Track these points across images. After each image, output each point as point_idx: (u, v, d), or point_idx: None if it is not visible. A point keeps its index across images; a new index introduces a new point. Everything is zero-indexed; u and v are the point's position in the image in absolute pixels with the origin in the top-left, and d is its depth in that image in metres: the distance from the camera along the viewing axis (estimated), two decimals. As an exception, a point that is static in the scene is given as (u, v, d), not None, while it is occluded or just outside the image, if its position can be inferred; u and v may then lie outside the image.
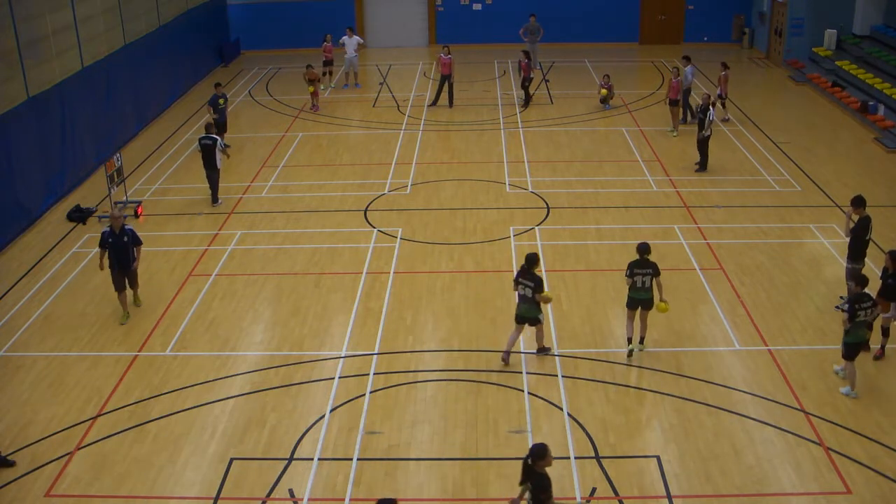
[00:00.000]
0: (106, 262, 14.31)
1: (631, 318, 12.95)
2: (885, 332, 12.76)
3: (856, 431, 11.18)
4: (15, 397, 12.40)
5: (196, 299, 14.96)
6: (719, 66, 23.99)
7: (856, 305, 11.56)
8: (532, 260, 12.61)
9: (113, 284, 14.38)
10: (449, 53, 25.77)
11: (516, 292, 12.73)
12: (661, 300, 12.71)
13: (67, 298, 15.15)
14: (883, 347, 12.77)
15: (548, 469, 8.66)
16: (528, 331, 13.10)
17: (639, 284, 12.72)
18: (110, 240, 14.07)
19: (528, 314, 12.66)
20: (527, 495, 8.70)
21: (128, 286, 14.50)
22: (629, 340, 12.95)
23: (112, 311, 14.68)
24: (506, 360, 12.82)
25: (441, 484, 10.48)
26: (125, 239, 14.07)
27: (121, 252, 14.09)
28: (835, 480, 10.35)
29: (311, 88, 25.68)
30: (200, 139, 18.69)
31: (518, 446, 11.03)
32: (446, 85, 26.00)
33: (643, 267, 12.70)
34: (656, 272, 12.66)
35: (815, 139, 22.69)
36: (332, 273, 15.80)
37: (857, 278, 12.20)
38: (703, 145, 20.25)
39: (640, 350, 13.07)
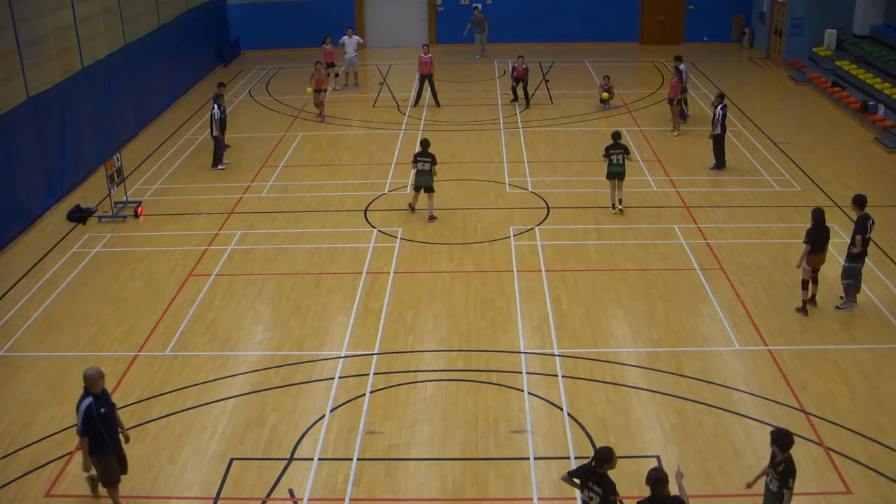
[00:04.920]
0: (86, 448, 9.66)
1: (612, 188, 17.81)
2: (815, 281, 14.13)
3: (856, 431, 11.18)
4: (15, 397, 12.40)
5: (196, 299, 14.95)
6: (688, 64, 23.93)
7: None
8: (427, 143, 17.63)
9: (104, 477, 9.90)
10: (429, 52, 25.82)
11: (414, 169, 17.50)
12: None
13: (67, 298, 15.15)
14: (813, 296, 14.16)
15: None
16: (529, 327, 13.09)
17: (614, 161, 17.53)
18: (102, 410, 9.59)
19: (427, 184, 17.46)
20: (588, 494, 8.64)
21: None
22: (613, 205, 17.84)
23: (113, 311, 14.67)
24: (412, 208, 17.98)
25: (441, 484, 10.48)
26: (111, 402, 9.88)
27: (112, 423, 9.80)
28: (835, 480, 10.35)
29: (310, 90, 24.89)
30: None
31: (518, 446, 11.04)
32: (427, 85, 26.12)
33: (616, 148, 17.51)
34: (626, 151, 17.61)
35: (815, 139, 22.69)
36: (332, 273, 15.80)
37: (781, 443, 8.82)
38: (714, 144, 20.27)
39: (620, 210, 17.72)
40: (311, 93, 24.97)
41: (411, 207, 18.09)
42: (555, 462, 10.72)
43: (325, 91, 25.48)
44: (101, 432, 9.58)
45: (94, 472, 9.99)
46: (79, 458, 11.04)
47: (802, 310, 14.03)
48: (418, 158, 17.49)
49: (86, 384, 9.58)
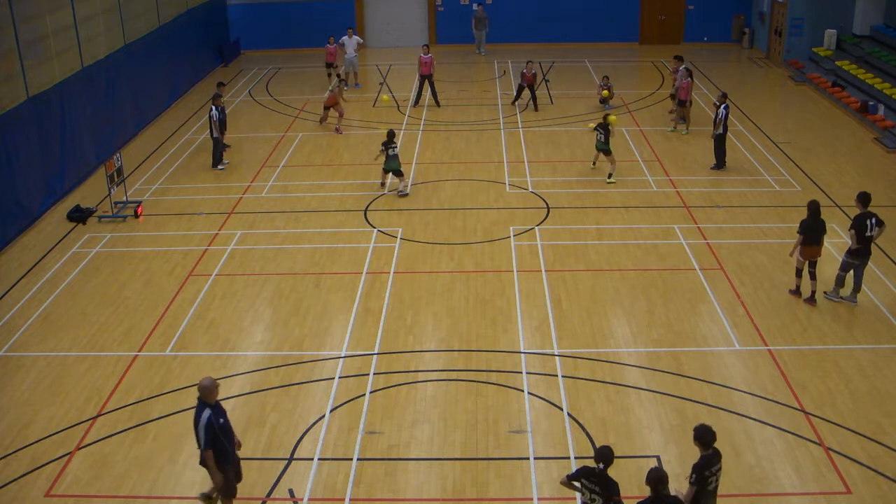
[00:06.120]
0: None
1: (595, 157, 20.45)
2: (812, 276, 14.21)
3: (856, 431, 11.19)
4: (15, 397, 12.40)
5: (196, 299, 14.95)
6: (683, 65, 23.80)
7: (705, 472, 8.64)
8: (391, 133, 19.39)
9: (224, 489, 9.67)
10: (429, 53, 25.81)
11: (386, 153, 19.15)
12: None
13: (67, 298, 15.15)
14: (813, 294, 14.28)
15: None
16: (529, 327, 13.07)
17: (596, 136, 19.85)
18: (221, 421, 9.39)
19: (396, 167, 19.24)
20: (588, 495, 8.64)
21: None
22: (593, 162, 20.59)
23: (113, 311, 14.68)
24: (384, 185, 19.72)
25: (441, 484, 10.48)
26: (223, 410, 9.59)
27: (229, 433, 9.57)
28: (835, 480, 10.35)
29: (385, 98, 24.58)
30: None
31: (518, 446, 11.04)
32: (427, 85, 26.12)
33: (601, 128, 19.68)
34: (608, 132, 19.61)
35: (815, 139, 22.69)
36: (332, 273, 15.80)
37: (703, 440, 8.75)
38: (715, 144, 20.27)
39: (609, 181, 19.61)
40: (387, 101, 25.70)
41: (382, 185, 19.79)
42: (555, 462, 10.72)
43: (341, 109, 24.29)
44: (222, 444, 9.39)
45: (206, 488, 9.86)
46: (78, 457, 11.04)
47: (796, 292, 14.46)
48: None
49: (200, 395, 9.32)
